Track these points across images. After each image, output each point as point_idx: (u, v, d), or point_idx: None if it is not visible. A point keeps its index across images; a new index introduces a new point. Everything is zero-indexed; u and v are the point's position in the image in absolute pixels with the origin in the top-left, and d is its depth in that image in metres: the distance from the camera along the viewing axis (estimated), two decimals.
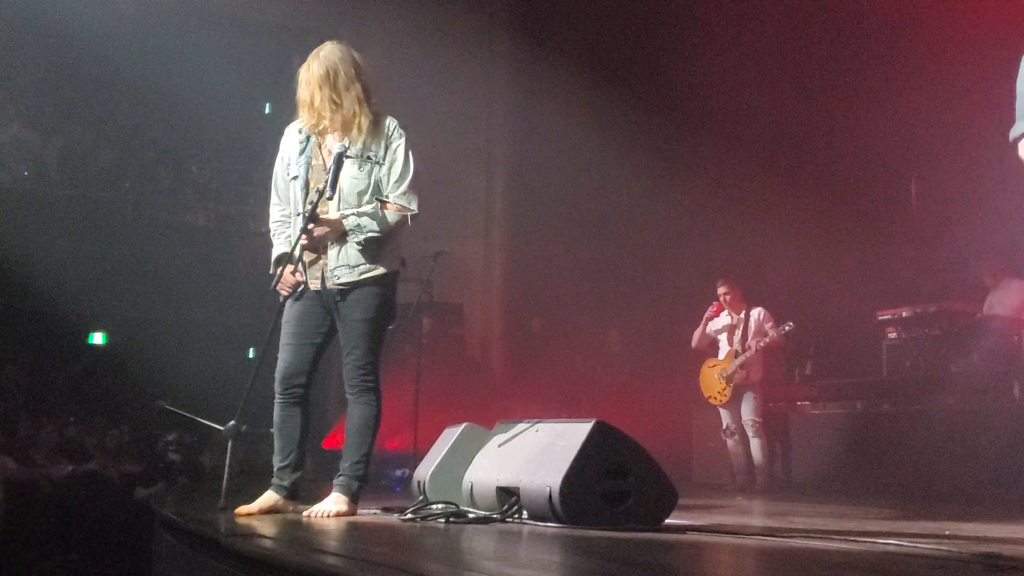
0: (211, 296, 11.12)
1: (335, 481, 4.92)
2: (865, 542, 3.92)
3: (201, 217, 12.10)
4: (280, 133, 5.18)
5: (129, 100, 12.22)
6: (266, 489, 4.94)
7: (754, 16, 10.82)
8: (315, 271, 4.93)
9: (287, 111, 11.46)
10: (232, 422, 4.92)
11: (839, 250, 10.09)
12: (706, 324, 9.63)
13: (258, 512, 4.83)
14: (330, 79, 4.83)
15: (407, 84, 11.37)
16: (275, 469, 5.00)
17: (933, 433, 7.89)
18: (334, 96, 4.83)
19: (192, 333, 10.97)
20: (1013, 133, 3.91)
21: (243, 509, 4.82)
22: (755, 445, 9.18)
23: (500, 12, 12.92)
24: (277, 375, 5.00)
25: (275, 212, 5.09)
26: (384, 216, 4.86)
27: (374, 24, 11.95)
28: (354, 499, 4.88)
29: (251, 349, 11.29)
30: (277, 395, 5.01)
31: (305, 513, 4.78)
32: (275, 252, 5.02)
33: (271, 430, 5.00)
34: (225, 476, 4.94)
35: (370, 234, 4.84)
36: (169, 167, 12.39)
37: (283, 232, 5.03)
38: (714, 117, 11.32)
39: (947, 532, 4.55)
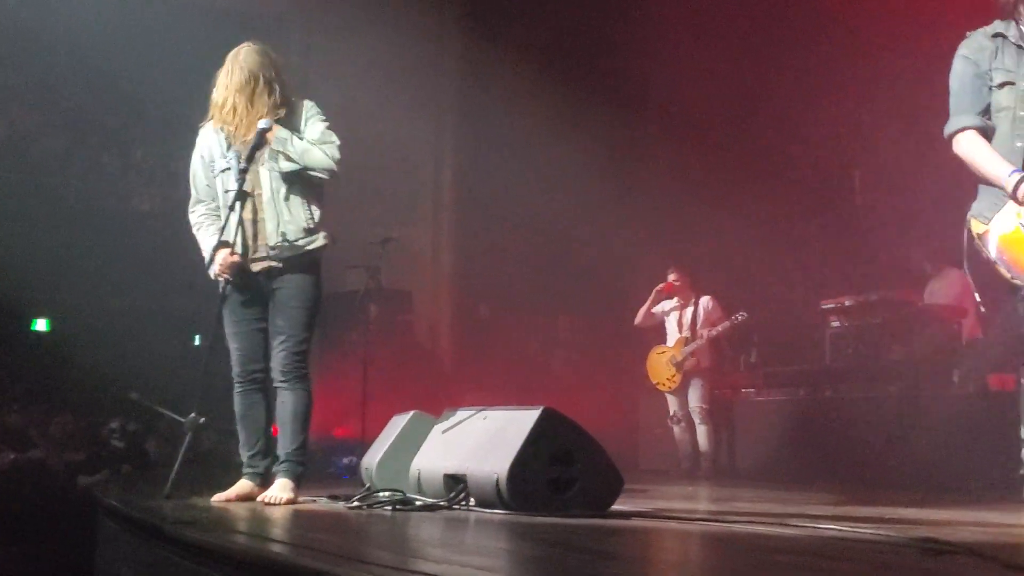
0: (156, 282, 11.00)
1: (278, 468, 4.95)
2: (806, 527, 3.99)
3: (146, 203, 11.96)
4: None
5: (73, 84, 12.04)
6: (209, 476, 4.95)
7: (702, 8, 10.88)
8: (252, 251, 4.97)
9: None
10: (192, 414, 4.92)
11: (785, 240, 10.21)
12: (655, 301, 9.70)
13: (235, 499, 4.87)
14: (249, 86, 4.94)
15: (356, 72, 11.31)
16: (246, 457, 5.08)
17: (874, 419, 8.03)
18: (249, 104, 4.93)
19: (137, 320, 10.85)
20: (947, 129, 3.99)
21: (219, 497, 4.87)
22: (702, 432, 9.28)
23: (450, 1, 12.90)
24: (234, 365, 5.06)
25: (199, 208, 5.16)
26: (309, 149, 4.93)
27: (322, 12, 11.86)
28: (298, 484, 4.92)
29: (197, 336, 11.19)
30: (237, 384, 5.06)
31: (260, 499, 4.80)
32: (206, 242, 5.05)
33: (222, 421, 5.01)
34: (176, 465, 4.93)
35: (292, 157, 4.89)
36: (114, 152, 12.23)
37: (212, 224, 5.06)
38: (663, 107, 11.40)
39: (886, 516, 4.64)
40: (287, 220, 4.95)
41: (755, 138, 10.71)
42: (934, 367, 8.05)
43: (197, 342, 11.18)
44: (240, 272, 4.96)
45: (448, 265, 12.75)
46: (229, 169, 5.00)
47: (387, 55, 11.52)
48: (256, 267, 4.98)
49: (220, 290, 5.00)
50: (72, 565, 6.28)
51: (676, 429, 9.50)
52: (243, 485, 4.98)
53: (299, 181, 4.97)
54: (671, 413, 9.52)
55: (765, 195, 10.25)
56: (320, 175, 4.97)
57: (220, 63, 5.11)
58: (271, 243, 4.94)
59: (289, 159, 4.91)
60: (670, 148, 11.24)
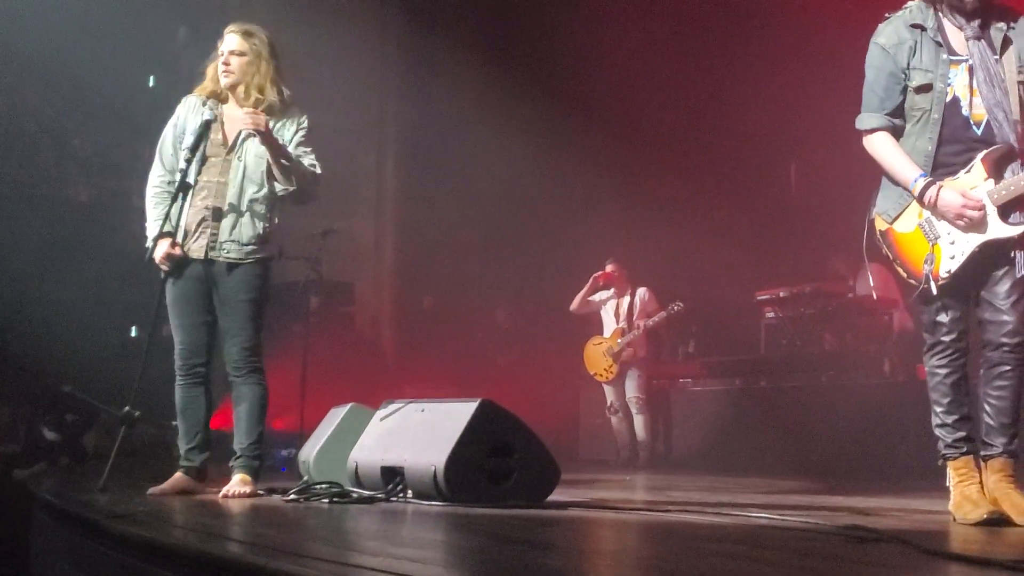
0: (93, 273, 10.87)
1: (235, 463, 4.93)
2: (738, 516, 4.08)
3: (83, 192, 11.81)
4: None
5: (8, 71, 11.83)
6: (146, 469, 4.93)
7: (644, 1, 10.95)
8: (201, 241, 4.89)
9: (171, 84, 11.18)
10: (127, 407, 4.88)
11: (722, 231, 10.33)
12: (591, 288, 9.78)
13: (170, 493, 4.83)
14: (254, 65, 4.90)
15: (298, 59, 11.23)
16: (183, 451, 5.03)
17: (807, 409, 8.18)
18: (260, 92, 4.89)
19: (73, 310, 10.71)
20: (859, 124, 4.02)
21: (155, 490, 4.83)
22: (639, 422, 9.39)
23: None
24: (177, 358, 5.00)
25: (155, 178, 5.02)
26: (299, 162, 4.90)
27: (261, 0, 11.76)
28: (255, 478, 4.92)
29: (133, 327, 11.08)
30: (179, 377, 5.01)
31: (221, 494, 4.78)
32: (152, 227, 4.95)
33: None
34: (111, 459, 4.90)
35: (284, 158, 4.83)
36: (49, 140, 12.05)
37: (162, 203, 4.94)
38: (603, 99, 11.45)
39: (816, 504, 4.75)
40: (244, 222, 4.88)
41: (693, 131, 10.82)
42: (865, 357, 8.22)
43: (134, 333, 11.07)
44: (179, 264, 4.91)
45: (390, 256, 12.74)
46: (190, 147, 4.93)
47: (328, 44, 11.46)
48: (198, 254, 4.89)
49: (161, 277, 4.95)
50: (6, 558, 6.21)
51: (614, 419, 9.60)
52: (178, 479, 4.93)
53: (267, 186, 4.91)
54: (608, 403, 9.62)
55: (702, 187, 10.38)
56: (288, 194, 4.92)
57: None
58: (221, 239, 4.88)
59: (285, 178, 4.86)
60: (610, 141, 11.31)
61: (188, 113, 5.05)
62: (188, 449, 4.99)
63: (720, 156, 10.56)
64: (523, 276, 11.99)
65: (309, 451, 5.48)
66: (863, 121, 4.00)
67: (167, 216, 4.86)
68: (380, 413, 5.10)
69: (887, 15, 4.03)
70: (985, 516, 3.67)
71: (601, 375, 9.63)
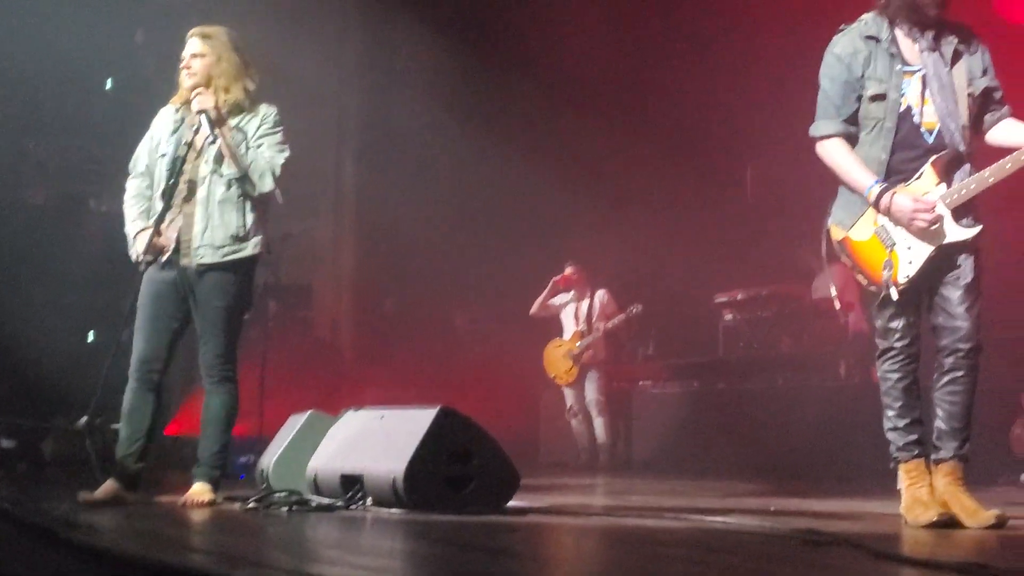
0: (50, 277, 10.75)
1: (197, 471, 4.87)
2: (695, 520, 4.13)
3: (40, 195, 11.67)
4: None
5: None
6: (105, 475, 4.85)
7: (607, 5, 11.00)
8: (176, 246, 4.87)
9: (129, 86, 11.07)
10: (85, 417, 4.82)
11: (681, 233, 10.39)
12: (551, 292, 9.84)
13: (101, 500, 4.75)
14: (216, 66, 4.87)
15: (255, 60, 11.18)
16: (119, 456, 4.89)
17: (764, 411, 8.28)
18: (225, 90, 4.86)
19: (29, 315, 10.59)
20: (813, 131, 4.10)
21: (85, 497, 4.73)
22: (598, 424, 9.45)
23: None
24: (133, 359, 4.91)
25: (131, 187, 5.02)
26: (256, 160, 4.85)
27: (217, 3, 11.70)
28: (215, 488, 4.86)
29: (91, 332, 10.97)
30: (131, 379, 4.92)
31: (180, 502, 4.73)
32: (131, 226, 4.95)
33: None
34: (96, 469, 4.84)
35: (239, 163, 4.80)
36: (5, 143, 11.90)
37: (140, 206, 4.95)
38: (563, 100, 11.48)
39: (772, 508, 4.82)
40: (216, 224, 4.81)
41: (652, 134, 10.88)
42: (821, 359, 8.32)
43: (91, 338, 10.97)
44: (160, 258, 4.86)
45: (350, 258, 12.70)
46: (166, 155, 4.91)
47: (287, 43, 11.41)
48: (174, 259, 4.85)
49: (141, 272, 4.90)
50: None
51: (573, 422, 9.65)
52: (110, 486, 4.79)
53: (236, 184, 4.85)
54: (568, 406, 9.66)
55: (661, 189, 10.45)
56: (254, 190, 4.86)
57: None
58: (195, 244, 4.84)
59: (234, 163, 4.80)
60: (571, 143, 11.36)
61: (160, 123, 5.05)
62: (124, 455, 4.86)
63: (678, 158, 10.62)
64: (484, 278, 12.00)
65: (268, 459, 5.47)
66: (819, 128, 4.06)
67: (146, 212, 4.88)
68: (339, 425, 5.10)
69: (842, 27, 4.11)
70: (935, 518, 3.75)
71: (561, 378, 9.68)
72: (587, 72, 10.92)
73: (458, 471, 4.42)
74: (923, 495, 3.88)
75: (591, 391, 9.50)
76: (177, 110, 5.01)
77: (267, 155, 4.87)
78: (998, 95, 4.05)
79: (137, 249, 4.88)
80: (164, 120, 5.05)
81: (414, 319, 11.84)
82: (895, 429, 3.98)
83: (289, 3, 11.51)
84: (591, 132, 11.27)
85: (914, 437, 3.96)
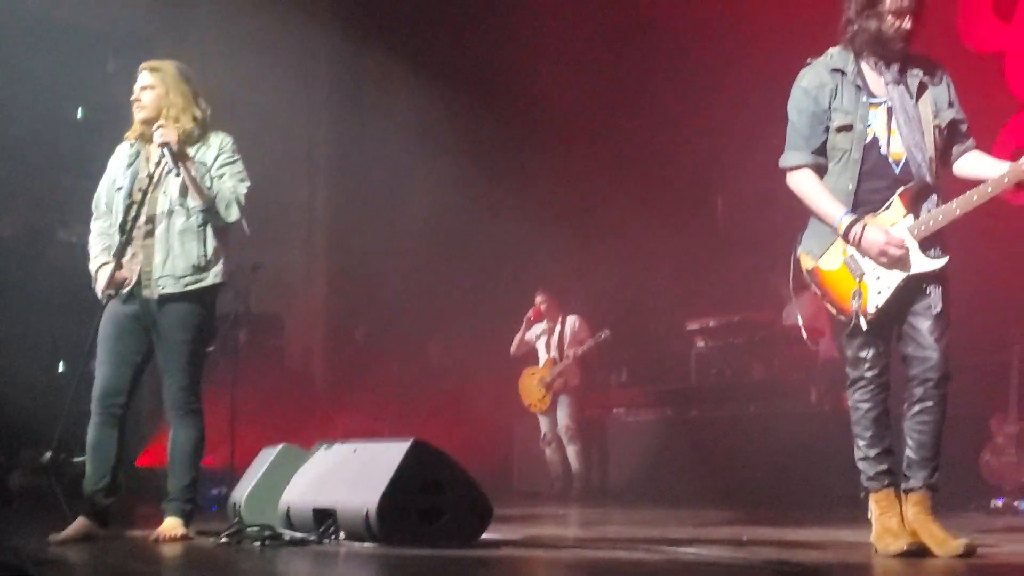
0: (18, 309, 10.66)
1: (167, 505, 4.85)
2: (668, 551, 4.14)
3: (6, 227, 11.59)
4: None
5: None
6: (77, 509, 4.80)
7: (576, 34, 11.07)
8: (138, 278, 4.85)
9: (99, 116, 10.99)
10: (49, 453, 4.77)
11: (653, 261, 10.43)
12: (527, 329, 9.87)
13: (72, 539, 4.71)
14: (164, 97, 4.89)
15: (226, 90, 11.15)
16: (87, 492, 4.86)
17: (736, 438, 8.29)
18: (175, 120, 4.86)
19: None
20: (783, 162, 4.15)
21: (55, 537, 4.68)
22: (571, 452, 9.44)
23: (322, 16, 12.84)
24: (95, 393, 4.89)
25: (96, 227, 5.05)
26: (221, 190, 4.85)
27: (192, 31, 11.70)
28: (187, 522, 4.83)
29: (61, 363, 10.88)
30: (94, 413, 4.89)
31: (152, 537, 4.70)
32: (95, 262, 4.96)
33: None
34: (64, 506, 4.79)
35: (203, 193, 4.79)
36: None
37: (103, 244, 4.97)
38: (534, 130, 11.56)
39: (744, 538, 4.83)
40: (177, 255, 4.82)
41: (621, 161, 10.96)
42: (792, 386, 8.35)
43: (62, 368, 10.88)
44: (122, 291, 4.86)
45: (321, 287, 12.66)
46: (122, 188, 4.92)
47: (257, 75, 11.43)
48: (143, 292, 4.85)
49: (103, 305, 4.89)
50: None
51: (547, 451, 9.64)
52: (80, 524, 4.74)
53: (197, 214, 4.85)
54: (542, 434, 9.66)
55: (632, 217, 10.49)
56: (220, 221, 4.86)
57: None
58: (156, 276, 4.84)
59: (199, 195, 4.80)
60: (542, 171, 11.43)
61: (116, 160, 5.07)
62: (92, 491, 4.83)
63: (650, 186, 10.69)
64: (456, 306, 12.00)
65: (240, 492, 5.44)
66: (788, 159, 4.11)
67: (109, 250, 4.89)
68: (311, 458, 5.08)
69: (809, 60, 4.17)
70: (905, 548, 3.78)
71: (535, 406, 9.68)
72: (557, 101, 10.99)
73: (431, 504, 4.40)
74: (893, 525, 3.91)
75: (563, 418, 9.50)
76: (132, 144, 5.04)
77: (229, 185, 4.88)
78: (964, 127, 4.11)
79: (100, 285, 4.89)
80: (120, 156, 5.08)
81: (386, 348, 11.81)
82: (865, 459, 4.01)
83: (258, 35, 11.54)
84: (562, 160, 11.34)
85: (884, 467, 3.99)
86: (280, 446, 5.48)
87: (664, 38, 10.59)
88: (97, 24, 11.51)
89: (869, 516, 4.03)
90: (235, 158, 4.96)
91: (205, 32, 11.75)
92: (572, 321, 9.73)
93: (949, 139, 4.08)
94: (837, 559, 3.95)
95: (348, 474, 4.68)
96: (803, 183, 4.05)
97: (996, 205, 4.03)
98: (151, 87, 4.94)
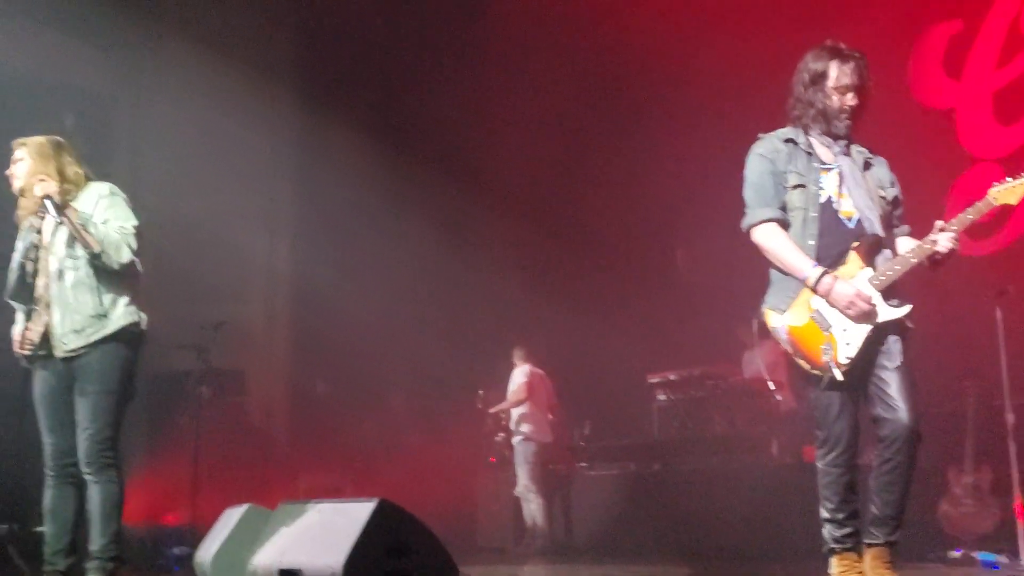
0: None
1: (89, 566, 4.77)
2: None
3: None
4: None
5: None
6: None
7: (534, 88, 11.21)
8: (47, 341, 4.89)
9: None
10: (4, 525, 4.72)
11: (614, 315, 10.50)
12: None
13: None
14: (36, 164, 4.99)
15: (187, 145, 11.17)
16: (48, 555, 4.82)
17: (699, 492, 8.30)
18: (46, 171, 4.95)
19: None
20: (747, 221, 4.22)
21: None
22: (525, 508, 9.45)
23: (284, 73, 12.90)
24: (47, 457, 4.88)
25: (7, 298, 5.10)
26: (108, 235, 4.86)
27: (154, 84, 11.73)
28: None
29: None
30: (49, 476, 4.88)
31: None
32: (12, 330, 5.04)
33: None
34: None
35: (89, 242, 4.81)
36: None
37: (17, 311, 5.04)
38: (497, 184, 11.64)
39: None
40: (72, 309, 4.84)
41: (588, 221, 11.05)
42: (753, 439, 8.40)
43: None
44: (38, 351, 4.86)
45: (283, 342, 12.62)
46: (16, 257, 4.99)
47: (218, 128, 11.45)
48: (54, 352, 4.87)
49: (25, 367, 4.90)
50: None
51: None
52: None
53: (86, 266, 4.88)
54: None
55: (597, 274, 10.59)
56: (114, 263, 4.87)
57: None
58: (58, 334, 4.84)
59: (87, 242, 4.82)
60: (506, 225, 11.49)
61: (18, 244, 5.12)
62: (53, 553, 4.80)
63: (613, 243, 10.80)
64: (418, 359, 11.99)
65: (205, 554, 5.40)
66: (755, 215, 4.17)
67: (18, 316, 4.97)
68: (276, 515, 5.06)
69: (760, 135, 4.30)
70: None
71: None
72: (521, 155, 11.09)
73: (397, 565, 4.40)
74: None
75: (521, 475, 9.51)
76: (32, 224, 5.08)
77: (115, 226, 4.92)
78: (900, 211, 4.28)
79: (14, 345, 4.95)
80: (21, 239, 5.12)
81: (349, 403, 11.77)
82: (832, 521, 4.04)
83: (221, 89, 11.56)
84: (523, 215, 11.43)
85: (849, 530, 4.03)
86: (245, 506, 5.45)
87: (624, 98, 10.77)
88: (56, 79, 11.49)
89: (830, 572, 4.06)
90: (116, 199, 5.03)
91: (165, 85, 11.76)
92: (514, 373, 9.77)
93: (890, 215, 4.21)
94: None
95: (314, 534, 4.67)
96: (771, 237, 4.11)
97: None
98: (21, 160, 5.07)
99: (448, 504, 9.17)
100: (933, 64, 9.00)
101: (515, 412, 9.61)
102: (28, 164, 5.04)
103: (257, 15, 12.48)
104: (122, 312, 4.91)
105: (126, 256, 4.87)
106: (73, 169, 5.06)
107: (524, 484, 9.42)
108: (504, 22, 11.27)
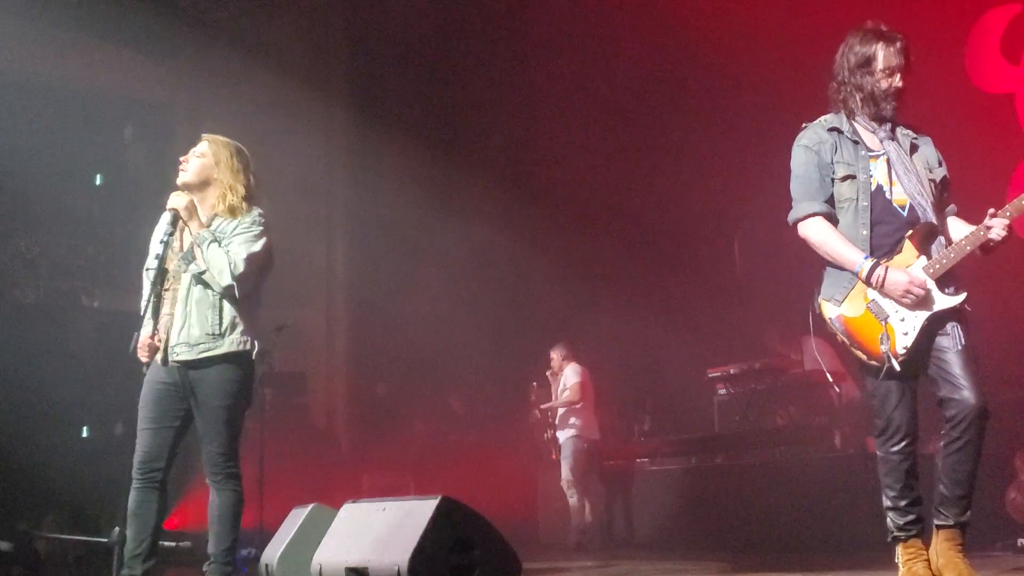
0: (43, 375, 10.75)
1: (208, 568, 4.87)
2: None
3: (30, 293, 11.71)
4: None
5: None
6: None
7: (582, 86, 11.22)
8: (167, 343, 4.91)
9: (118, 182, 11.13)
10: (116, 529, 4.81)
11: (672, 310, 10.47)
12: (554, 385, 9.94)
13: None
14: (212, 169, 4.95)
15: (254, 166, 11.31)
16: (126, 558, 4.86)
17: (762, 484, 8.24)
18: (223, 179, 4.94)
19: (22, 414, 10.57)
20: (794, 215, 4.20)
21: None
22: (572, 502, 9.44)
23: (336, 80, 13.05)
24: (135, 460, 4.91)
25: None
26: (216, 258, 4.84)
27: (210, 96, 11.89)
28: None
29: (85, 428, 10.94)
30: (135, 479, 4.93)
31: None
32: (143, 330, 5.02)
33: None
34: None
35: (201, 261, 4.85)
36: None
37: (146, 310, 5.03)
38: (550, 182, 11.67)
39: None
40: (192, 323, 4.86)
41: (639, 210, 11.03)
42: (816, 430, 8.32)
43: (85, 434, 10.92)
44: (156, 358, 4.93)
45: (342, 344, 12.75)
46: (158, 256, 4.96)
47: (274, 138, 11.57)
48: (168, 358, 4.90)
49: (143, 371, 4.97)
50: None
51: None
52: None
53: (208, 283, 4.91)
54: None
55: (654, 267, 10.55)
56: (216, 286, 4.87)
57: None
58: (172, 343, 4.89)
59: (197, 259, 4.86)
60: (559, 224, 11.51)
61: (157, 228, 5.12)
62: (131, 557, 4.83)
63: (669, 235, 10.75)
64: (477, 360, 12.05)
65: (272, 553, 5.47)
66: (801, 209, 4.15)
67: (145, 315, 4.95)
68: (341, 514, 5.11)
69: (804, 124, 4.27)
70: None
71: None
72: (570, 152, 11.11)
73: (461, 560, 4.44)
74: (920, 570, 3.92)
75: (564, 470, 9.52)
76: (174, 221, 5.05)
77: (233, 251, 4.87)
78: (947, 192, 4.22)
79: (136, 348, 4.94)
80: (159, 226, 5.12)
81: (409, 404, 11.85)
82: (895, 509, 4.01)
83: (275, 99, 11.71)
84: (577, 213, 11.42)
85: (913, 517, 3.99)
86: (310, 506, 5.52)
87: (679, 89, 10.71)
88: (114, 91, 11.71)
89: (897, 561, 4.03)
90: (253, 229, 4.94)
91: (221, 94, 11.93)
92: (566, 372, 9.75)
93: (941, 195, 4.18)
94: None
95: (379, 532, 4.71)
96: (819, 231, 4.10)
97: (1014, 243, 4.08)
98: (201, 155, 5.00)
99: (509, 501, 9.20)
100: (991, 48, 8.85)
101: (562, 408, 9.62)
102: (205, 163, 4.98)
103: (309, 25, 12.63)
104: (236, 338, 4.90)
105: (226, 280, 4.83)
106: (250, 183, 5.01)
107: (566, 479, 9.45)
108: (552, 19, 11.28)
